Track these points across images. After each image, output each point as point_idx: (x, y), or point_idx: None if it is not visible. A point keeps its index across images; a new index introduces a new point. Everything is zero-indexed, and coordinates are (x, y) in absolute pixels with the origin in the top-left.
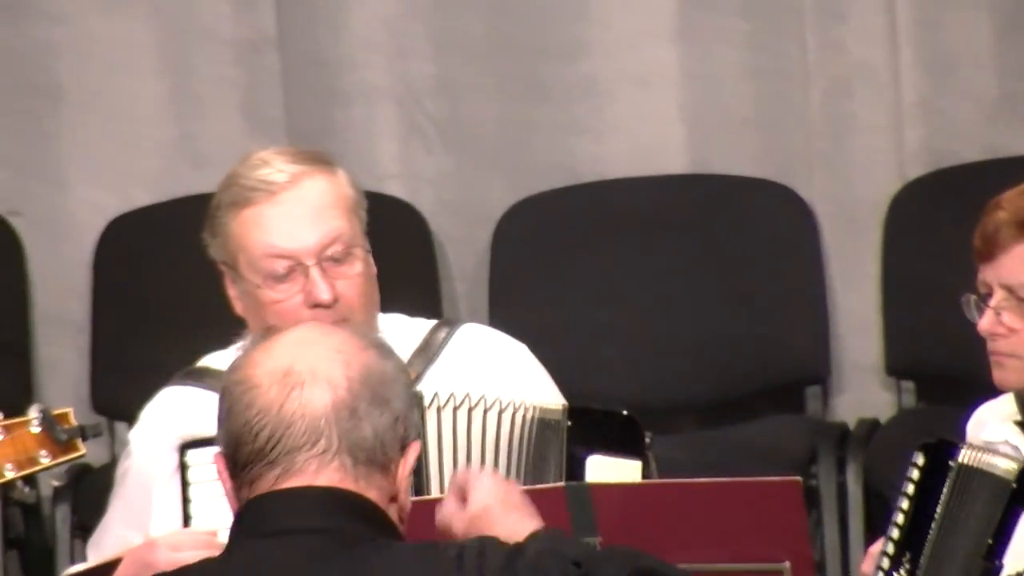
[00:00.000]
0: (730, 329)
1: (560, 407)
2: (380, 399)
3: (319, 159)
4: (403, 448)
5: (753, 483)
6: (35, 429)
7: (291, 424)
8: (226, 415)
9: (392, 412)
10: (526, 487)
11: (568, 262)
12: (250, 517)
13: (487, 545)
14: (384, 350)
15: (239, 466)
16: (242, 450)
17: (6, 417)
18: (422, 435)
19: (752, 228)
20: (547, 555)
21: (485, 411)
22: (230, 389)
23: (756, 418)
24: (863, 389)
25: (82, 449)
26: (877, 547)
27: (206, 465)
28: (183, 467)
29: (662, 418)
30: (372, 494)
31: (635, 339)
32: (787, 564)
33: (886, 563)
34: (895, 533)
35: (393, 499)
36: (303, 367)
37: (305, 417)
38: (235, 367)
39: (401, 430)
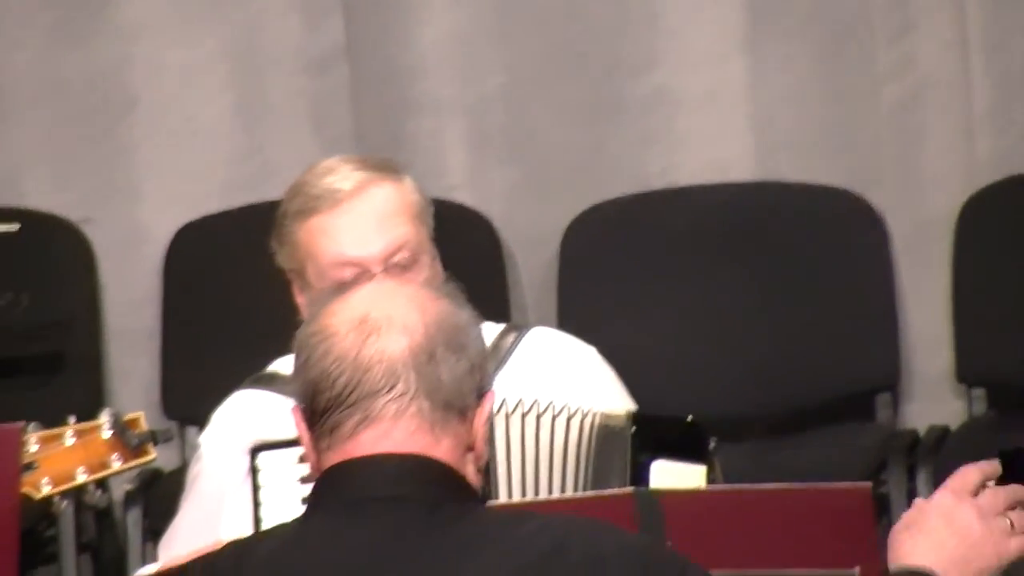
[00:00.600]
0: (800, 337)
1: (625, 413)
2: (456, 345)
3: (385, 166)
4: (479, 397)
5: (823, 489)
6: (106, 434)
7: (369, 369)
8: (303, 366)
9: (468, 359)
10: (593, 492)
11: (636, 270)
12: (326, 485)
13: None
14: (457, 300)
15: (317, 414)
16: (320, 398)
17: (78, 422)
18: (491, 440)
19: (822, 237)
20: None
21: (554, 417)
22: (306, 340)
23: (826, 426)
24: (933, 396)
25: (153, 453)
26: None
27: (277, 468)
28: (254, 471)
29: (731, 427)
30: (448, 442)
31: (704, 347)
32: (856, 571)
33: None
34: None
35: (470, 448)
36: (379, 314)
37: (383, 362)
38: (310, 320)
39: (477, 378)
